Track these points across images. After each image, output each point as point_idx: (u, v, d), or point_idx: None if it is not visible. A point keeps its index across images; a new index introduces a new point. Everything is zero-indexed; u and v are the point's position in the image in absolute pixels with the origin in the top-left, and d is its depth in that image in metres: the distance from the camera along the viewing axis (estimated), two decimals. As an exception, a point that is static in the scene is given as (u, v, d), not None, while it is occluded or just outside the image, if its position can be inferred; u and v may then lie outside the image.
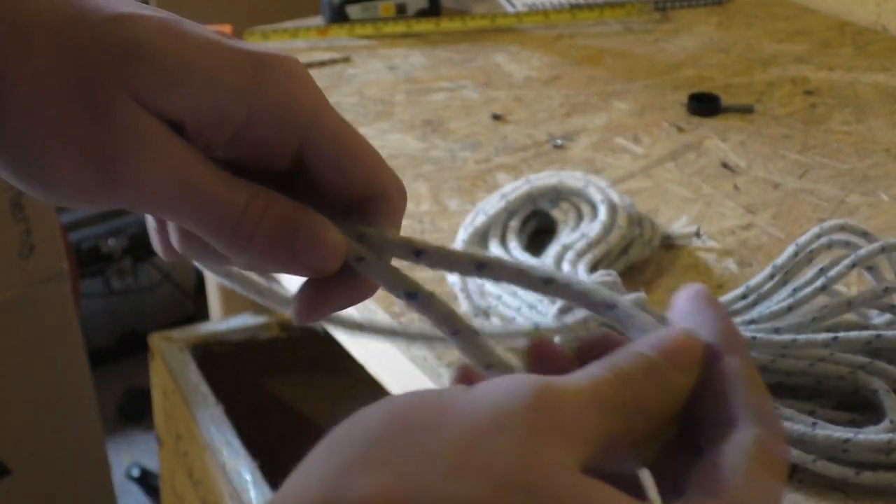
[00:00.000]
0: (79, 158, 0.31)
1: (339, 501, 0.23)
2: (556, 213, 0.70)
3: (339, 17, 1.14)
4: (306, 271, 0.33)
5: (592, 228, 0.66)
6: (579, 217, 0.69)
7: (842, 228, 0.59)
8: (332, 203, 0.34)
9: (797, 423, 0.52)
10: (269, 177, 0.33)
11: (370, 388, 0.64)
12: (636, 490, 0.30)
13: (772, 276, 0.59)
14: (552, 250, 0.65)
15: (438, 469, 0.24)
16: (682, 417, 0.28)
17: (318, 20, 1.17)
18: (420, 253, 0.33)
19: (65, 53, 0.31)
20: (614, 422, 0.26)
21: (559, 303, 0.58)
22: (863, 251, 0.57)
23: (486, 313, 0.63)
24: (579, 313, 0.58)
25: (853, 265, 0.57)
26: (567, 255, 0.63)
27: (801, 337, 0.54)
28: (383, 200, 0.34)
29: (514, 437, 0.24)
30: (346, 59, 1.06)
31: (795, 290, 0.57)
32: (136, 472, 1.81)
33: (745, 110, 0.92)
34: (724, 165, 0.83)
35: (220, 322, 1.27)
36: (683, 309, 0.30)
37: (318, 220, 0.33)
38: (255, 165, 0.33)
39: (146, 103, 0.31)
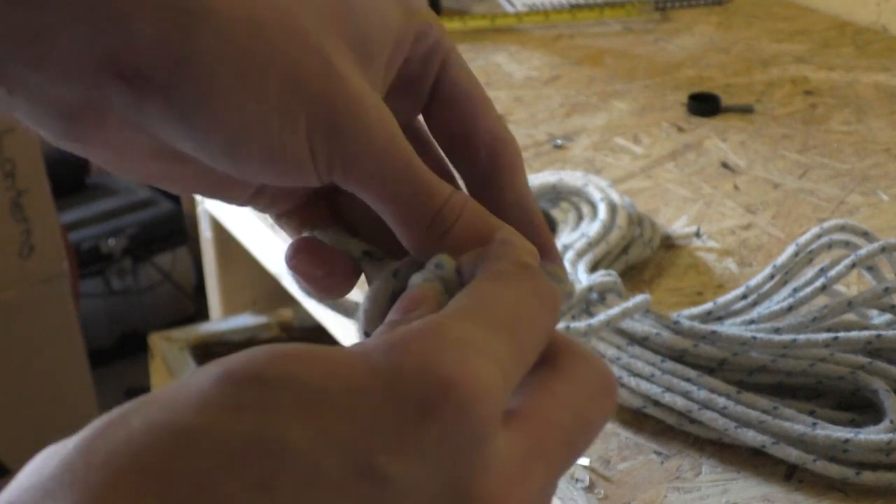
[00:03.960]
0: (309, 110, 0.29)
1: None
2: (555, 213, 0.70)
3: (339, 17, 1.14)
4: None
5: (592, 228, 0.66)
6: (579, 217, 0.69)
7: (842, 228, 0.59)
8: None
9: (797, 423, 0.52)
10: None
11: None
12: None
13: (772, 276, 0.59)
14: (552, 250, 0.65)
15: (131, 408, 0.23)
16: None
17: (318, 20, 1.17)
18: None
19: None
20: None
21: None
22: (863, 251, 0.57)
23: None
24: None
25: (853, 265, 0.57)
26: (567, 254, 0.63)
27: (802, 337, 0.54)
28: (506, 154, 0.33)
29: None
30: (346, 59, 1.06)
31: (795, 290, 0.57)
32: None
33: (745, 110, 0.92)
34: (724, 165, 0.83)
35: (220, 322, 1.27)
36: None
37: (510, 228, 0.31)
38: (395, 101, 0.33)
39: (359, 39, 0.30)
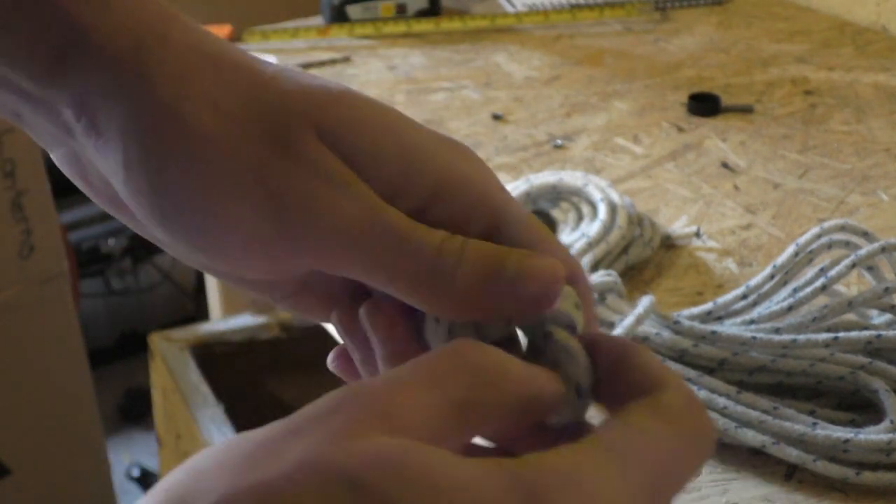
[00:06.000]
0: (257, 193, 0.28)
1: None
2: (555, 213, 0.70)
3: (339, 17, 1.14)
4: (525, 305, 0.29)
5: (592, 228, 0.66)
6: (579, 217, 0.69)
7: (842, 228, 0.59)
8: None
9: (797, 423, 0.52)
10: None
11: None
12: None
13: (772, 276, 0.59)
14: (552, 250, 0.65)
15: (218, 478, 0.22)
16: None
17: (318, 20, 1.17)
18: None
19: (247, 86, 0.29)
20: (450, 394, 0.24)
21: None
22: (863, 251, 0.57)
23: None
24: None
25: (853, 265, 0.57)
26: (567, 255, 0.63)
27: (802, 337, 0.54)
28: (574, 283, 0.31)
29: (306, 425, 0.23)
30: (346, 59, 1.06)
31: (795, 290, 0.57)
32: (136, 472, 1.81)
33: (745, 110, 0.92)
34: (724, 165, 0.83)
35: (220, 322, 1.27)
36: None
37: (521, 251, 0.29)
38: None
39: (333, 144, 0.29)
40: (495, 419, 0.24)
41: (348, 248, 0.28)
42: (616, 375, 0.27)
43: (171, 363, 1.17)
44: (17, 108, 0.31)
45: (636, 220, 0.69)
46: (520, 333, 0.30)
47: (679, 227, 0.74)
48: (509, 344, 0.30)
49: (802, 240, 0.59)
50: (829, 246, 0.59)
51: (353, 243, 0.28)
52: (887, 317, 0.57)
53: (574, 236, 0.66)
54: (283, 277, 0.30)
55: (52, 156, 0.32)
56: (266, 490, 0.21)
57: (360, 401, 0.23)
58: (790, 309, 0.57)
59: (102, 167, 0.30)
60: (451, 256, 0.28)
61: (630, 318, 0.56)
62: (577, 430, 0.27)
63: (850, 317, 0.57)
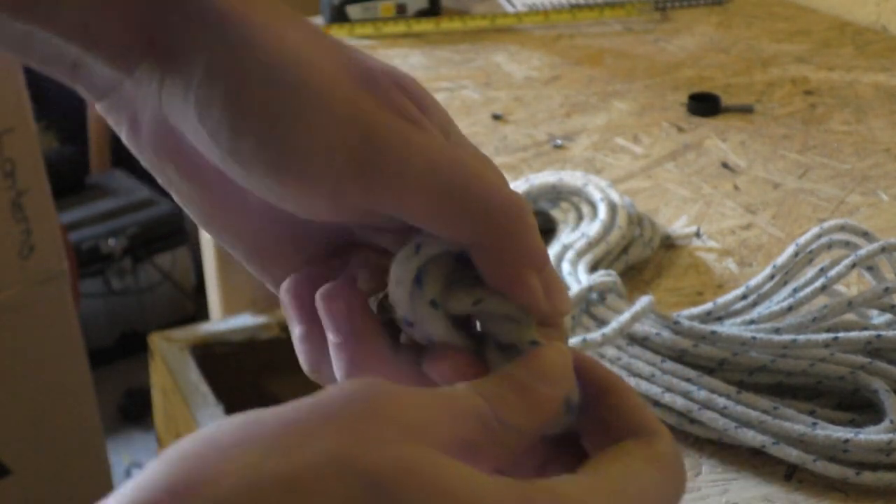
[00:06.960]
0: (348, 122, 0.29)
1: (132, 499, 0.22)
2: (555, 213, 0.70)
3: (339, 17, 1.14)
4: (548, 309, 0.30)
5: (592, 228, 0.66)
6: (579, 217, 0.69)
7: (842, 228, 0.59)
8: None
9: (797, 423, 0.52)
10: None
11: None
12: None
13: (772, 276, 0.59)
14: (552, 250, 0.65)
15: (242, 456, 0.22)
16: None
17: (318, 20, 1.17)
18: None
19: (329, 40, 0.31)
20: (469, 430, 0.25)
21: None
22: (863, 251, 0.57)
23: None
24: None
25: (853, 265, 0.57)
26: (567, 254, 0.63)
27: (801, 337, 0.54)
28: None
29: (336, 417, 0.23)
30: (346, 59, 1.06)
31: (795, 290, 0.57)
32: (136, 472, 1.81)
33: (745, 110, 0.92)
34: (724, 165, 0.83)
35: (220, 322, 1.27)
36: None
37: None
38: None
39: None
40: (518, 439, 0.26)
41: (428, 182, 0.29)
42: (603, 407, 0.29)
43: (171, 363, 1.17)
44: (78, 58, 0.31)
45: (636, 220, 0.69)
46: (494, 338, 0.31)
47: (679, 227, 0.74)
48: (464, 321, 0.31)
49: (802, 240, 0.59)
50: (829, 246, 0.59)
51: (437, 177, 0.29)
52: (887, 317, 0.57)
53: (574, 236, 0.66)
54: (333, 217, 0.31)
55: (98, 106, 0.33)
56: (294, 480, 0.22)
57: (392, 407, 0.24)
58: (790, 309, 0.57)
59: (166, 99, 0.30)
60: (521, 201, 0.30)
61: (626, 315, 0.56)
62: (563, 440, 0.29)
63: (850, 317, 0.57)
